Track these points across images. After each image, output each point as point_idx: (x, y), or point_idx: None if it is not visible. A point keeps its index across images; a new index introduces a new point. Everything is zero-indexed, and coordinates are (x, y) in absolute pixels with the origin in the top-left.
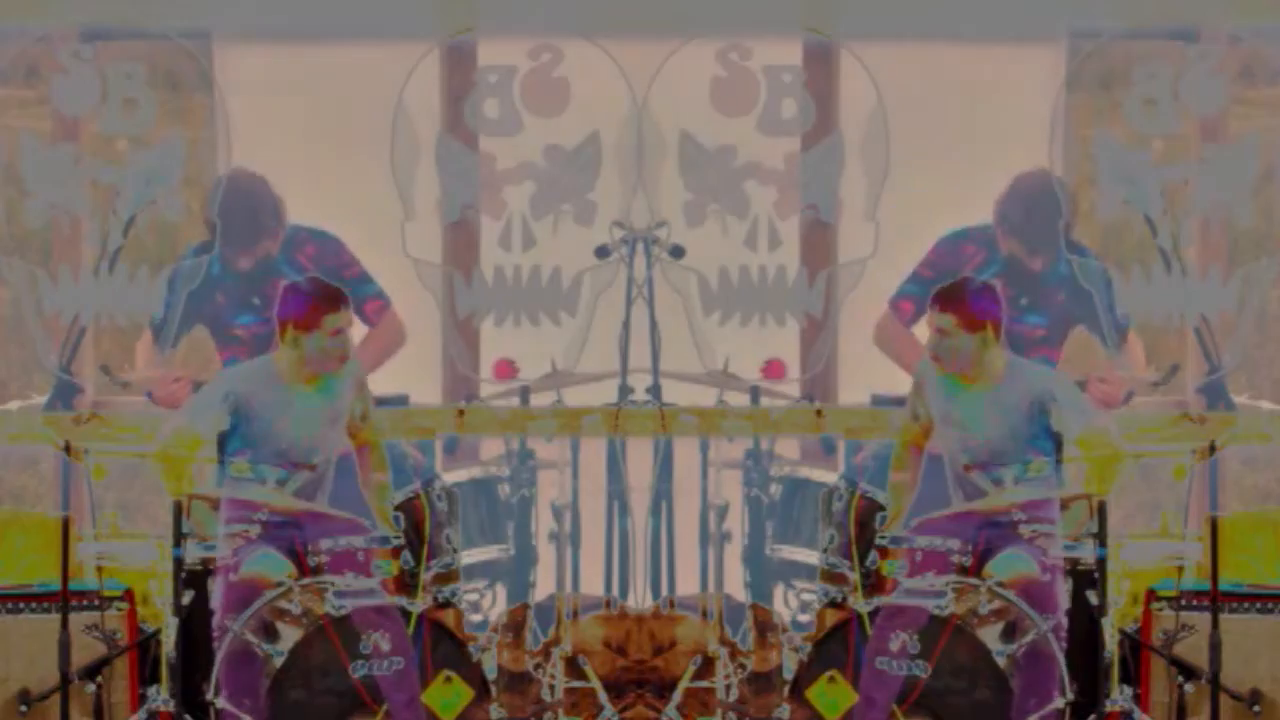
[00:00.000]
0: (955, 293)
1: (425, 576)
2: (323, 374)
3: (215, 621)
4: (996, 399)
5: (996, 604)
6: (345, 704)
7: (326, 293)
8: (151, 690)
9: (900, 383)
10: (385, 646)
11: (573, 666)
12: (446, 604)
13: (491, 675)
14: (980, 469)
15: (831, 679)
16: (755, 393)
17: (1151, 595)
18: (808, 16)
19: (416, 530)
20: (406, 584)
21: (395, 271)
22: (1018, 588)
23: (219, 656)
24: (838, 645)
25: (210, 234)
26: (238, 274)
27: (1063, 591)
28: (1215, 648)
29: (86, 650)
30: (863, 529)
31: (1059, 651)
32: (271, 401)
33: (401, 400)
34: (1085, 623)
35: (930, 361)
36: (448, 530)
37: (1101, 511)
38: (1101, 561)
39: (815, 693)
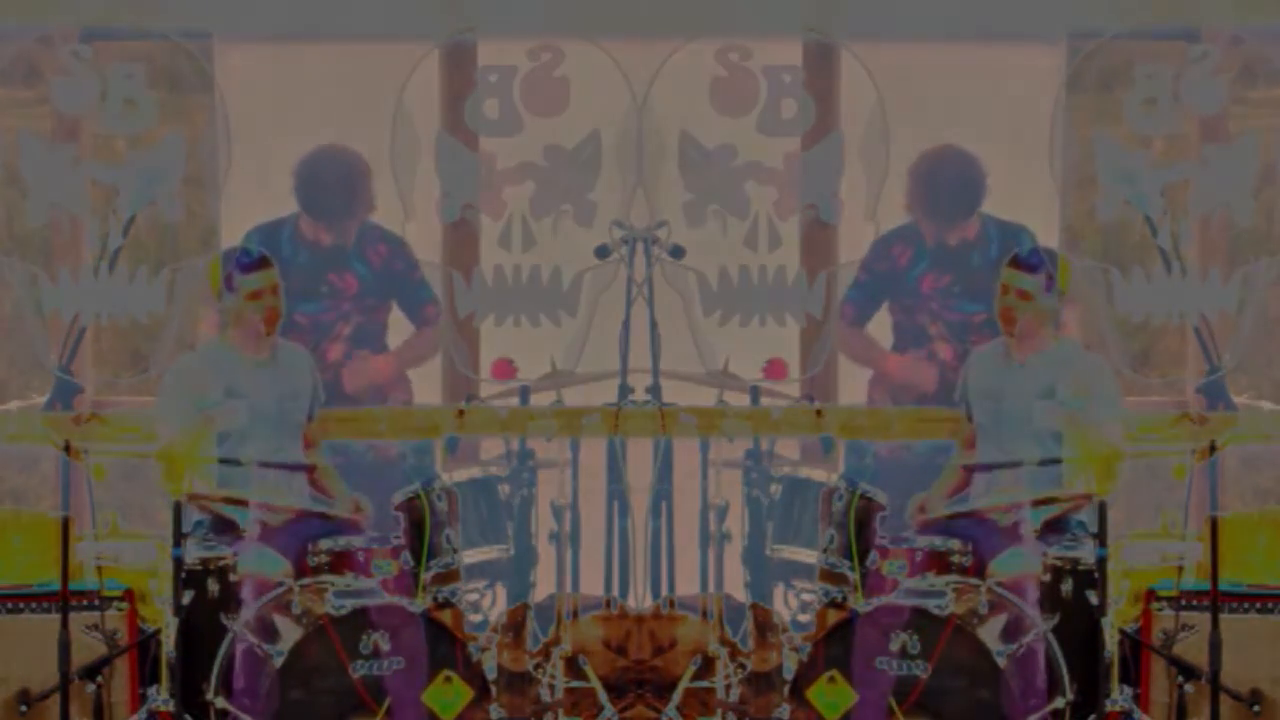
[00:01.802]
0: (1041, 256)
1: (425, 576)
2: (267, 347)
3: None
4: (1037, 372)
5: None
6: (345, 704)
7: (244, 257)
8: (151, 690)
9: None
10: (386, 646)
11: (573, 666)
12: (446, 604)
13: (491, 675)
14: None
15: (831, 679)
16: (755, 393)
17: (1151, 595)
18: (808, 16)
19: (416, 530)
20: (407, 584)
21: None
22: (1015, 585)
23: (221, 656)
24: (838, 645)
25: (301, 206)
26: (308, 258)
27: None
28: (1215, 648)
29: (86, 650)
30: (863, 529)
31: (1058, 652)
32: (231, 377)
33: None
34: (1085, 623)
35: (979, 352)
36: (448, 530)
37: (1102, 511)
38: (1101, 561)
39: (815, 693)
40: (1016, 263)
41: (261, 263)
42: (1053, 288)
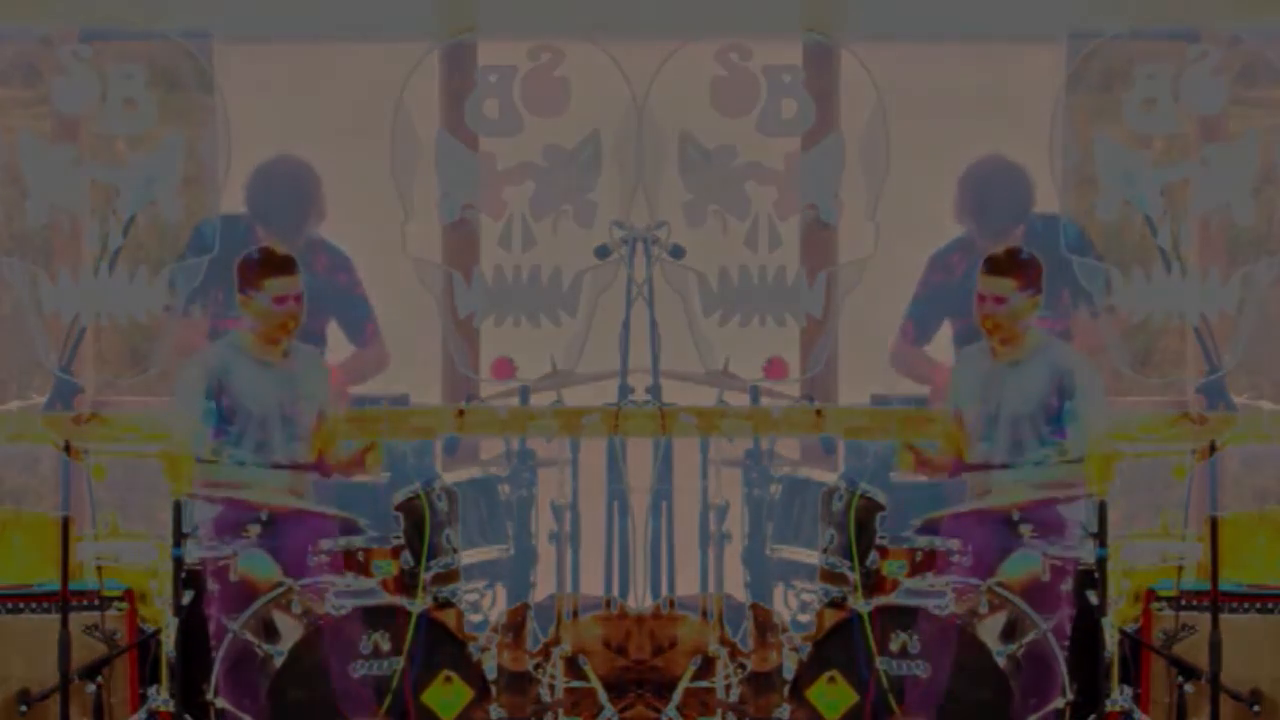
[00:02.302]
0: (1011, 259)
1: (425, 576)
2: (282, 349)
3: (214, 624)
4: (1024, 372)
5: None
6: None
7: (270, 257)
8: (151, 690)
9: (899, 383)
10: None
11: (573, 666)
12: (446, 604)
13: (491, 675)
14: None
15: (831, 679)
16: (755, 393)
17: (1151, 595)
18: (808, 16)
19: (416, 530)
20: (406, 584)
21: (395, 271)
22: (1024, 587)
23: (219, 657)
24: (838, 645)
25: (255, 215)
26: None
27: (1064, 591)
28: (1215, 648)
29: (86, 650)
30: (863, 529)
31: (1059, 652)
32: (242, 375)
33: (402, 400)
34: (1085, 623)
35: (965, 353)
36: (448, 530)
37: (1102, 511)
38: (1101, 561)
39: (815, 693)
40: (988, 267)
41: (293, 266)
42: (1029, 288)
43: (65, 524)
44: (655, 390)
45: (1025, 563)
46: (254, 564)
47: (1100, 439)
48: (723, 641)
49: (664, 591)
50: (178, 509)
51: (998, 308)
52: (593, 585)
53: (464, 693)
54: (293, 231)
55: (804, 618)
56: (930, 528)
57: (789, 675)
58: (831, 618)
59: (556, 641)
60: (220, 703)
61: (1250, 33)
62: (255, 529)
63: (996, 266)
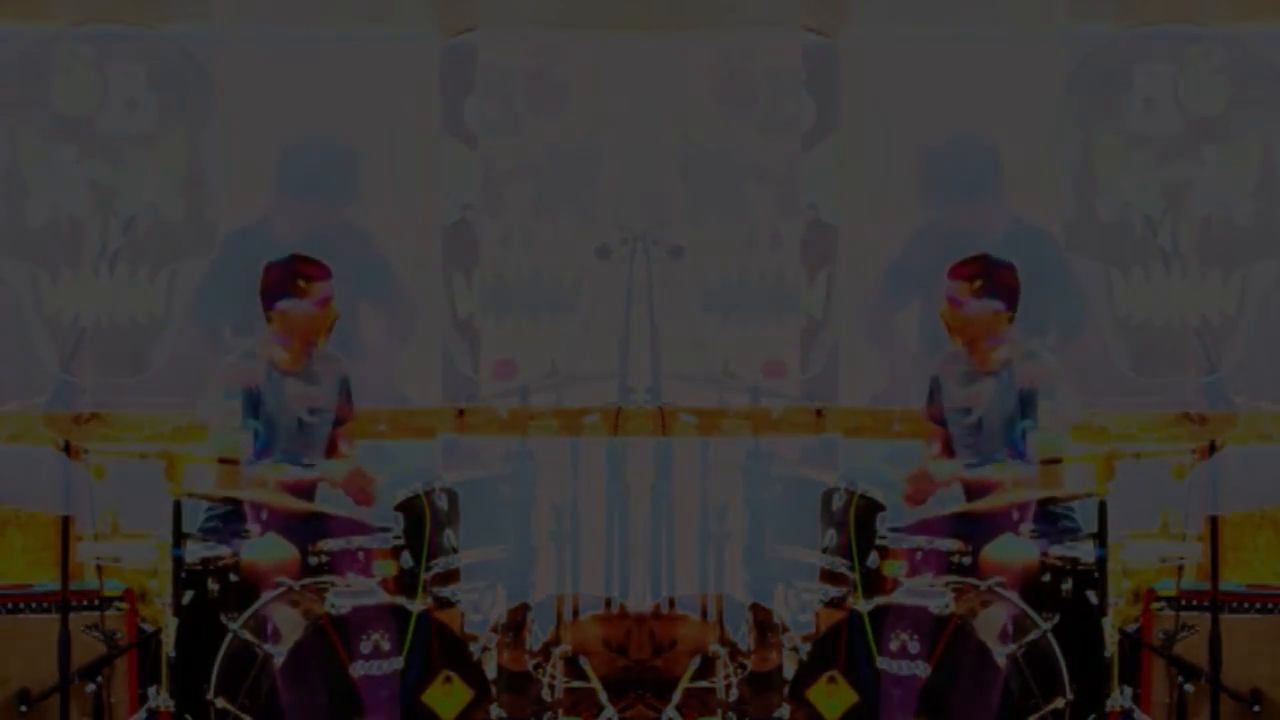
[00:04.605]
0: (980, 262)
1: (425, 576)
2: (307, 358)
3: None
4: (999, 381)
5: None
6: (345, 704)
7: (304, 260)
8: (151, 690)
9: None
10: (385, 646)
11: (573, 666)
12: (447, 604)
13: (491, 675)
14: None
15: (831, 679)
16: (755, 393)
17: (1151, 595)
18: (808, 16)
19: (417, 530)
20: (406, 584)
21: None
22: (1016, 573)
23: (221, 656)
24: (838, 645)
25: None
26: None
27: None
28: (1215, 647)
29: (86, 650)
30: (863, 529)
31: (1057, 650)
32: (267, 384)
33: (402, 400)
34: (1085, 623)
35: (945, 358)
36: (448, 530)
37: (1102, 511)
38: (1101, 561)
39: (815, 693)
40: (953, 272)
41: (327, 272)
42: (998, 297)
43: (65, 524)
44: (655, 390)
45: (1009, 548)
46: (270, 549)
47: (1072, 419)
48: (723, 641)
49: (664, 591)
50: (178, 509)
51: (959, 311)
52: (593, 585)
53: (464, 693)
54: (329, 211)
55: (804, 618)
56: (924, 528)
57: (789, 675)
58: (831, 618)
59: (556, 641)
60: (220, 703)
61: (1250, 33)
62: (255, 529)
63: (961, 269)
